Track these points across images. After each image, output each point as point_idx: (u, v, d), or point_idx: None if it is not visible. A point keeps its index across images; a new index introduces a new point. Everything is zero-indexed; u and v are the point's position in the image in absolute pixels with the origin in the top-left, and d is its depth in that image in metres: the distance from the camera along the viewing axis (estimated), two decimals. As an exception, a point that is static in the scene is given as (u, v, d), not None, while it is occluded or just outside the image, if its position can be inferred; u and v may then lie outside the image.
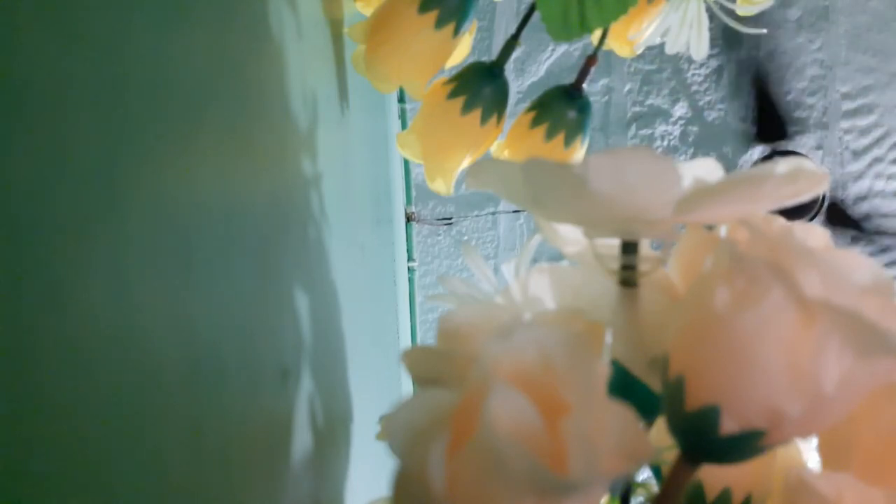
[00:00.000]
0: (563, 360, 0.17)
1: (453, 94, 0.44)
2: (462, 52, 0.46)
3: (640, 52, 0.49)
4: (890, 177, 1.08)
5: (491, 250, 1.15)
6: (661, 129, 1.11)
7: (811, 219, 1.09)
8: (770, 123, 1.08)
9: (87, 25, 0.16)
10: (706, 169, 0.21)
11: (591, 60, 0.47)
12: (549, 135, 0.46)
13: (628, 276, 0.21)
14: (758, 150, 1.09)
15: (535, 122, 0.46)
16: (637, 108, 1.11)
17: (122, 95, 0.18)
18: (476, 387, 0.16)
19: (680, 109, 1.10)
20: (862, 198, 1.09)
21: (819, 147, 1.09)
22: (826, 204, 1.09)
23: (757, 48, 1.07)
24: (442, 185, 0.45)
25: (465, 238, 1.15)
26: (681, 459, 0.19)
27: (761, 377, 0.17)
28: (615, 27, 0.44)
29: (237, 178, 0.26)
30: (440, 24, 0.42)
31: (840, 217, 1.08)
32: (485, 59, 0.45)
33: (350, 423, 0.41)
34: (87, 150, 0.16)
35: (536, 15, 0.39)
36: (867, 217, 1.07)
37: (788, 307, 0.17)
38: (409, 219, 0.98)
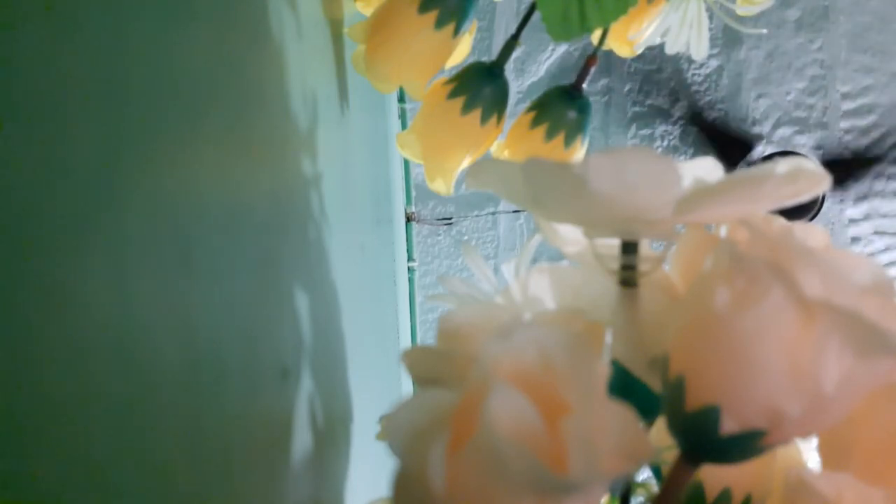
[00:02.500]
0: (563, 360, 0.17)
1: (453, 94, 0.44)
2: (462, 52, 0.46)
3: (640, 52, 0.49)
4: (890, 177, 1.08)
5: (491, 250, 1.15)
6: (661, 129, 1.11)
7: (811, 219, 1.09)
8: (729, 145, 1.09)
9: (87, 25, 0.16)
10: (706, 169, 0.21)
11: (591, 60, 0.47)
12: (549, 135, 0.46)
13: (628, 276, 0.21)
14: (757, 151, 1.09)
15: (535, 123, 0.46)
16: (637, 108, 1.11)
17: (122, 95, 0.18)
18: (476, 387, 0.16)
19: (680, 109, 1.10)
20: (862, 198, 1.09)
21: (819, 147, 1.09)
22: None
23: (757, 48, 1.07)
24: (442, 185, 0.45)
25: (465, 238, 1.15)
26: (681, 459, 0.19)
27: (761, 377, 0.17)
28: (615, 27, 0.44)
29: (237, 178, 0.26)
30: (440, 24, 0.42)
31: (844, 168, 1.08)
32: (485, 59, 0.45)
33: (350, 423, 0.41)
34: (87, 150, 0.16)
35: (536, 15, 0.39)
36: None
37: (788, 307, 0.17)
38: (409, 219, 0.98)
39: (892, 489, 0.19)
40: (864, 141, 1.08)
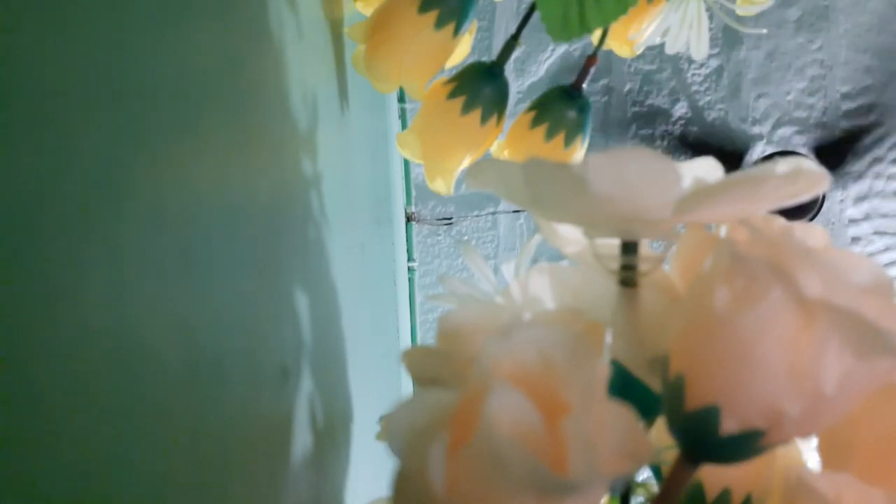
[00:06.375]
0: (563, 360, 0.17)
1: (453, 94, 0.44)
2: (462, 52, 0.46)
3: (640, 52, 0.49)
4: (890, 177, 1.08)
5: (491, 250, 1.15)
6: (661, 129, 1.11)
7: (811, 219, 1.09)
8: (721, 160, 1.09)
9: (87, 25, 0.16)
10: (706, 169, 0.21)
11: (591, 60, 0.47)
12: (549, 135, 0.46)
13: (628, 276, 0.21)
14: (758, 150, 1.09)
15: (535, 122, 0.46)
16: (637, 108, 1.11)
17: (122, 95, 0.18)
18: (476, 387, 0.16)
19: (680, 109, 1.10)
20: (862, 198, 1.09)
21: (817, 145, 1.09)
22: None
23: (757, 48, 1.07)
24: (442, 185, 0.45)
25: (465, 238, 1.15)
26: (681, 459, 0.19)
27: (761, 377, 0.17)
28: (615, 27, 0.44)
29: (237, 178, 0.26)
30: (440, 24, 0.42)
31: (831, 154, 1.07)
32: (485, 59, 0.45)
33: (350, 423, 0.41)
34: (87, 150, 0.16)
35: (536, 15, 0.39)
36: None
37: (788, 307, 0.17)
38: (409, 219, 0.98)
39: (892, 489, 0.19)
40: (865, 141, 1.08)
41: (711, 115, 1.10)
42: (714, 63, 1.09)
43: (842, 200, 1.10)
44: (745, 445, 0.18)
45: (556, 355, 0.17)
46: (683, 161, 0.21)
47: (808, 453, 0.25)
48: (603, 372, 0.17)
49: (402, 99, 0.81)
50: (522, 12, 0.45)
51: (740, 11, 0.45)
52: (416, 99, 0.44)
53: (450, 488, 0.16)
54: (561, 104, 0.46)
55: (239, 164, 0.26)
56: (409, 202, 0.98)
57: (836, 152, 1.08)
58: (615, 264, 0.21)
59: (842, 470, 0.20)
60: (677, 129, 1.09)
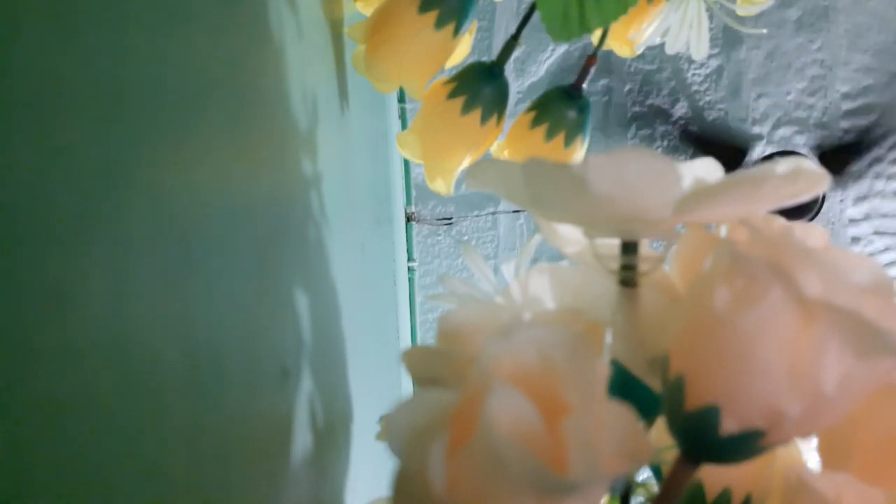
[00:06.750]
0: (563, 360, 0.17)
1: (453, 94, 0.44)
2: (462, 52, 0.46)
3: (640, 52, 0.49)
4: (890, 177, 1.08)
5: (491, 250, 1.15)
6: (661, 129, 1.11)
7: (811, 219, 1.09)
8: (726, 154, 1.09)
9: (87, 25, 0.16)
10: (706, 169, 0.21)
11: (591, 60, 0.47)
12: (549, 135, 0.46)
13: (628, 276, 0.21)
14: (757, 151, 1.09)
15: (535, 123, 0.46)
16: (637, 108, 1.11)
17: (121, 95, 0.18)
18: (476, 387, 0.16)
19: (680, 109, 1.10)
20: (862, 198, 1.09)
21: (819, 147, 1.09)
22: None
23: (757, 48, 1.07)
24: (442, 185, 0.45)
25: (465, 238, 1.15)
26: (681, 459, 0.19)
27: (761, 377, 0.17)
28: (615, 27, 0.44)
29: (237, 178, 0.26)
30: (440, 24, 0.42)
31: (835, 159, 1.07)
32: (485, 59, 0.45)
33: (350, 423, 0.41)
34: (87, 150, 0.16)
35: (536, 15, 0.39)
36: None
37: (788, 307, 0.17)
38: (409, 219, 0.98)
39: (893, 489, 0.19)
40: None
41: (711, 116, 1.09)
42: (714, 63, 1.09)
43: (842, 200, 1.10)
44: (745, 445, 0.18)
45: (556, 355, 0.17)
46: (683, 161, 0.21)
47: (808, 453, 0.25)
48: (603, 372, 0.17)
49: (402, 99, 0.81)
50: (522, 12, 0.45)
51: (740, 11, 0.45)
52: (416, 99, 0.44)
53: (450, 488, 0.16)
54: (561, 104, 0.46)
55: (239, 164, 0.26)
56: (409, 202, 0.98)
57: (839, 156, 1.07)
58: (615, 264, 0.21)
59: (842, 470, 0.20)
60: (677, 130, 1.09)
